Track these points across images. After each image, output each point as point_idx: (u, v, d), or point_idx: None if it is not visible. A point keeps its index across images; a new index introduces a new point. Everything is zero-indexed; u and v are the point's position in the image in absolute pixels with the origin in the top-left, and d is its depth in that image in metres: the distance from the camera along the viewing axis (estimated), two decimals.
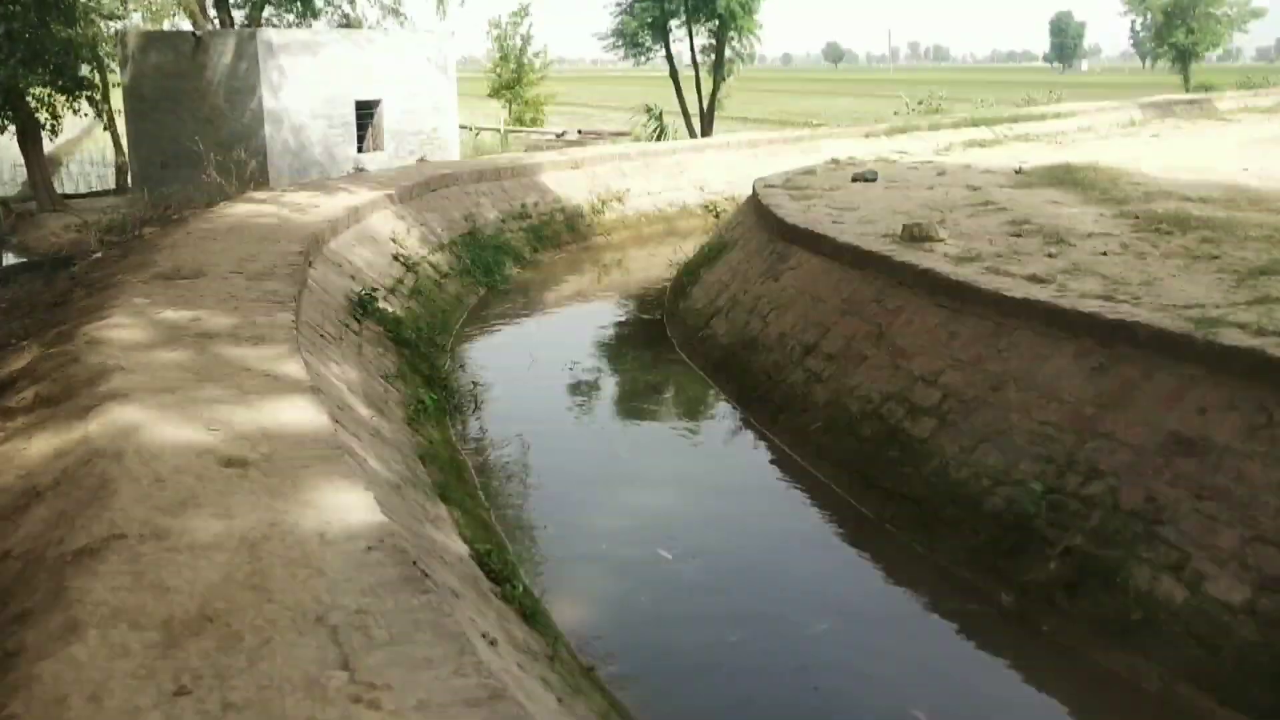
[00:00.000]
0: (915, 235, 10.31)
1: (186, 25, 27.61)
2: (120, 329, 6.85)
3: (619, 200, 20.62)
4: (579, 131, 34.94)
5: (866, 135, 28.34)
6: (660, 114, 33.48)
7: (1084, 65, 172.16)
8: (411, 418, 8.45)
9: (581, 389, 11.62)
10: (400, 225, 14.78)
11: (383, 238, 13.86)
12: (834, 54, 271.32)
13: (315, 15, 31.62)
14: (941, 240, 10.28)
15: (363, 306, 10.46)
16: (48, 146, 39.48)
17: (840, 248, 10.42)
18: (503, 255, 16.67)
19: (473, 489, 8.23)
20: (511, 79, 38.37)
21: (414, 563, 3.74)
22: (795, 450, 9.07)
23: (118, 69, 27.71)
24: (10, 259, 21.82)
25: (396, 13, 30.88)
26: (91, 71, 24.95)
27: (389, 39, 25.77)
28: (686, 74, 33.78)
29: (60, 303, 9.18)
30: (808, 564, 7.51)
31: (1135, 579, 5.80)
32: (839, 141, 27.35)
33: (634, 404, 11.28)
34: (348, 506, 4.24)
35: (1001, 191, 14.07)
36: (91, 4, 25.67)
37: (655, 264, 18.22)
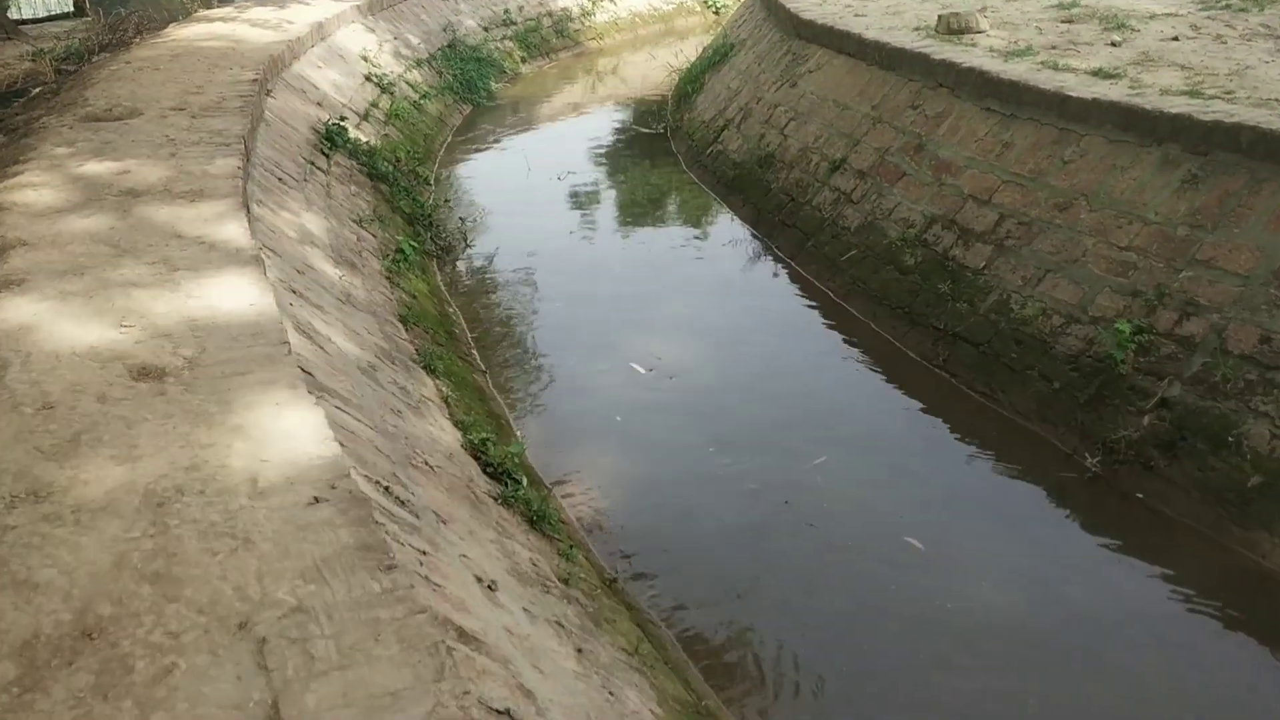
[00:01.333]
0: (953, 27, 9.00)
1: None
2: (30, 189, 5.75)
3: (610, 0, 18.92)
4: None
5: None
6: None
7: None
8: (390, 269, 7.42)
9: (580, 215, 10.54)
10: (372, 40, 13.33)
11: (352, 56, 12.47)
12: None
13: None
14: (983, 32, 8.99)
15: (330, 139, 9.28)
16: None
17: (866, 45, 9.12)
18: (487, 68, 15.24)
19: (465, 349, 7.29)
20: None
21: (375, 519, 2.81)
22: (825, 282, 8.07)
23: None
24: None
25: None
26: None
27: None
28: None
29: None
30: (854, 415, 6.60)
31: (1251, 437, 4.89)
32: None
33: (639, 231, 10.19)
34: (291, 432, 3.29)
35: None
36: None
37: (654, 69, 16.75)
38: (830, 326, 7.66)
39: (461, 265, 9.27)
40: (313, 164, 8.50)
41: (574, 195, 11.27)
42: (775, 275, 8.66)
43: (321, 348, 4.87)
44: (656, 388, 6.90)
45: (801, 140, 9.37)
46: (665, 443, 6.28)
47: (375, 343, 5.72)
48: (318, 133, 9.34)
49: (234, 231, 5.13)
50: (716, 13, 20.48)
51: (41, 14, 30.68)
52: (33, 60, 21.57)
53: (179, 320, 4.12)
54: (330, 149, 9.16)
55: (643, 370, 7.06)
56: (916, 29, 9.30)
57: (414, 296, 7.32)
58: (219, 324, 4.10)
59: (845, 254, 7.96)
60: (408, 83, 13.13)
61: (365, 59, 12.59)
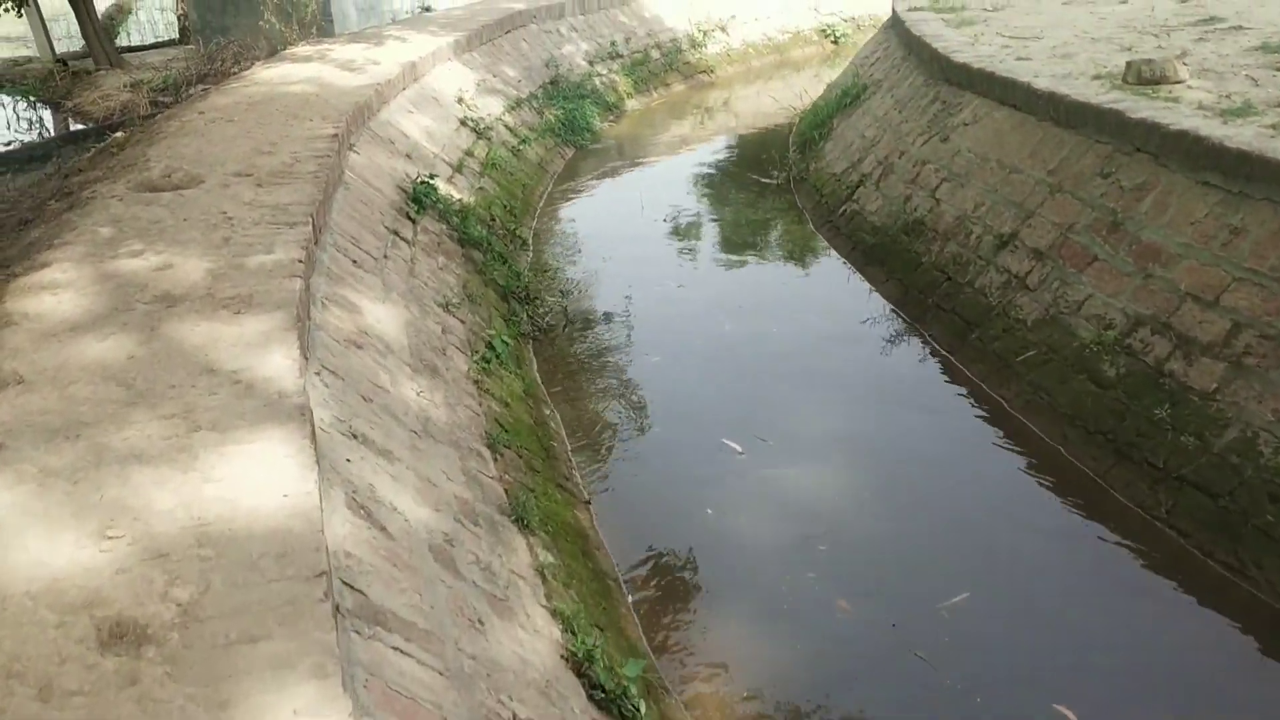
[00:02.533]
0: (1145, 76, 7.58)
1: None
2: (50, 294, 4.76)
3: (722, 29, 17.76)
4: None
5: None
6: None
7: None
8: (479, 370, 6.29)
9: (692, 278, 9.34)
10: (468, 79, 12.35)
11: (447, 98, 11.48)
12: None
13: None
14: (1182, 82, 7.55)
15: (418, 201, 8.24)
16: None
17: (1038, 97, 7.75)
18: (591, 106, 14.15)
19: (565, 468, 6.12)
20: None
21: None
22: (996, 388, 6.72)
23: None
24: (55, 126, 19.98)
25: None
26: None
27: None
28: None
29: (29, 221, 7.14)
30: (1043, 580, 5.26)
31: None
32: None
33: (760, 300, 8.92)
34: None
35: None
36: None
37: (770, 106, 15.51)
38: (1003, 446, 6.31)
39: (561, 343, 8.13)
40: (396, 233, 7.44)
41: (684, 253, 10.11)
42: (928, 371, 7.32)
43: (384, 527, 3.73)
44: (790, 518, 5.66)
45: (958, 207, 8.03)
46: (804, 598, 5.04)
47: (455, 493, 4.57)
48: (404, 193, 8.31)
49: (280, 364, 4.03)
50: (835, 43, 19.19)
51: (150, 39, 30.79)
52: (131, 90, 21.28)
53: (185, 525, 3.01)
54: (418, 212, 8.12)
55: (772, 511, 5.83)
56: (1097, 77, 7.90)
57: (506, 404, 6.18)
58: (236, 534, 2.97)
59: (1021, 354, 6.61)
60: (506, 126, 12.10)
61: (460, 100, 11.60)
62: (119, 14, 36.66)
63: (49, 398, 3.78)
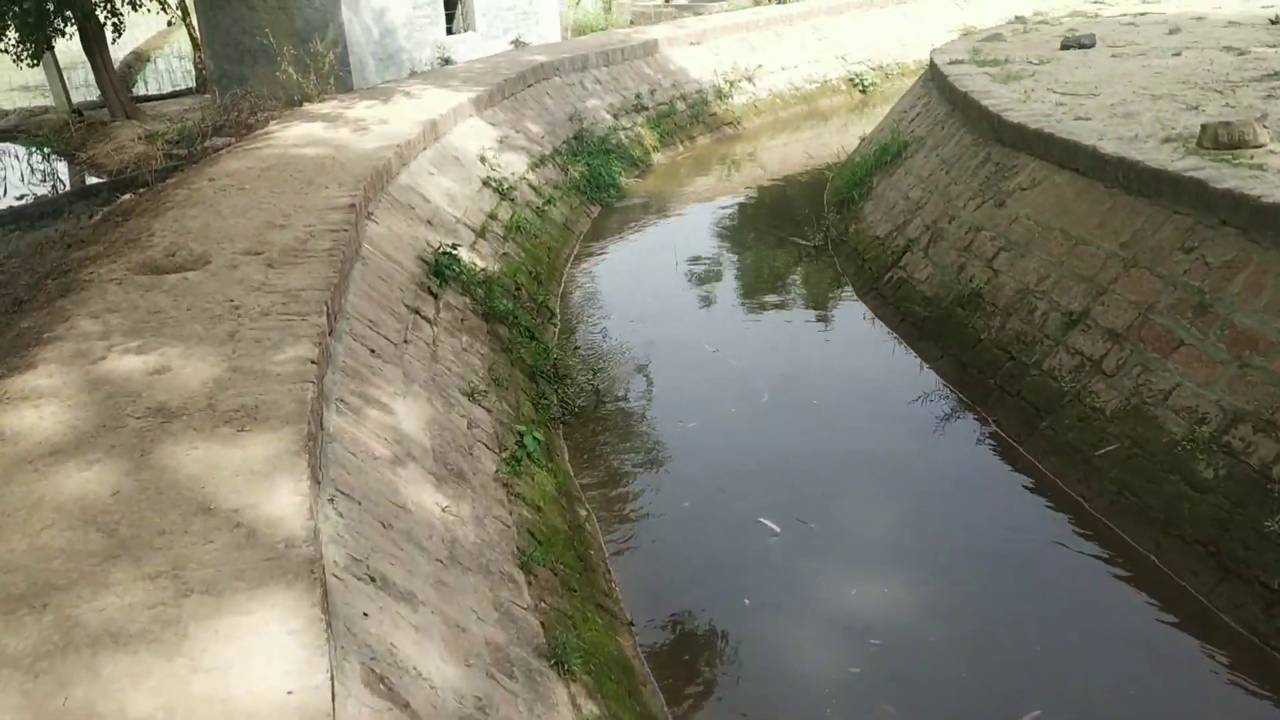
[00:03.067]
0: (1223, 140, 7.04)
1: None
2: (31, 406, 4.24)
3: (749, 80, 17.33)
4: None
5: None
6: None
7: None
8: (509, 471, 5.74)
9: (733, 353, 8.78)
10: (490, 136, 11.90)
11: (469, 157, 11.01)
12: None
13: None
14: (1263, 146, 7.01)
15: (439, 274, 7.74)
16: (135, 42, 37.23)
17: (1105, 162, 7.21)
18: (616, 161, 13.69)
19: (605, 582, 5.55)
20: None
21: None
22: (1073, 484, 6.13)
23: None
24: (69, 179, 19.65)
25: None
26: None
27: None
28: None
29: (23, 302, 6.65)
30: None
31: None
32: None
33: (802, 372, 8.35)
34: None
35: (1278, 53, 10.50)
36: None
37: (799, 159, 15.04)
38: (1082, 550, 5.72)
39: (592, 425, 7.58)
40: (417, 311, 6.93)
41: (718, 316, 9.61)
42: (991, 460, 6.74)
43: (407, 702, 3.16)
44: (836, 617, 5.07)
45: (1018, 279, 7.48)
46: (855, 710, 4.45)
47: (487, 637, 4.00)
48: (425, 264, 7.81)
49: (287, 501, 3.49)
50: (864, 92, 18.76)
51: (168, 88, 30.62)
52: (145, 142, 20.93)
53: None
54: (440, 285, 7.61)
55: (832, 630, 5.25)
56: (1167, 140, 7.36)
57: (538, 508, 5.62)
58: None
59: (1101, 447, 6.02)
60: (530, 184, 11.63)
61: (483, 159, 11.14)
62: (137, 62, 36.59)
63: (16, 548, 3.24)
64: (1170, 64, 10.36)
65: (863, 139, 13.75)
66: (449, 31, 22.84)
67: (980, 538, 6.00)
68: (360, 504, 4.14)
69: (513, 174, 11.45)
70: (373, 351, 5.78)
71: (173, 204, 7.66)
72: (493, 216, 10.15)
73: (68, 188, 18.62)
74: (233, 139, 17.36)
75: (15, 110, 25.69)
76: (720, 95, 16.71)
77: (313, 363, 4.63)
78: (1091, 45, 11.73)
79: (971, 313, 7.68)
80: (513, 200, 10.84)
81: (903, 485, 6.66)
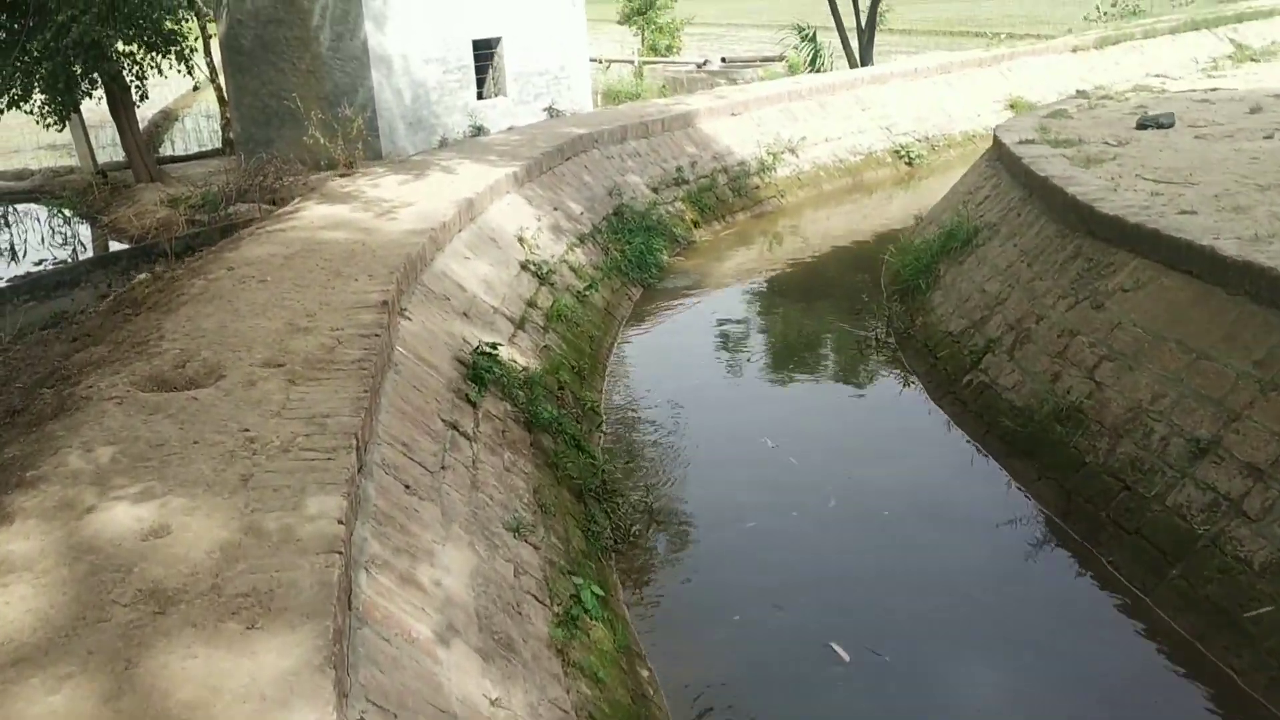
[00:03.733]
0: None
1: None
2: (4, 580, 3.48)
3: (791, 151, 16.67)
4: (722, 60, 30.81)
5: (1074, 50, 23.56)
6: (814, 34, 29.07)
7: None
8: (563, 634, 4.92)
9: (794, 449, 7.99)
10: (528, 215, 11.23)
11: (506, 238, 10.32)
12: None
13: None
14: None
15: (478, 378, 6.99)
16: (164, 100, 37.07)
17: (1228, 266, 6.42)
18: (658, 239, 12.98)
19: None
20: (644, 3, 34.25)
21: None
22: (1220, 652, 5.25)
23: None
24: (91, 243, 19.10)
25: None
26: (181, 23, 21.85)
27: None
28: None
29: (16, 412, 5.92)
30: None
31: None
32: (1042, 59, 22.74)
33: (878, 489, 7.53)
34: None
35: None
36: None
37: (848, 237, 14.34)
38: None
39: (647, 548, 6.77)
40: (455, 427, 6.16)
41: (776, 412, 8.87)
42: (1108, 610, 5.88)
43: None
44: None
45: (1128, 395, 6.66)
46: None
47: None
48: (463, 367, 7.07)
49: None
50: (909, 164, 18.08)
51: (194, 147, 30.30)
52: (169, 206, 20.36)
53: None
54: (478, 392, 6.86)
55: None
56: None
57: (596, 678, 4.79)
58: None
59: (1251, 607, 5.16)
60: (570, 266, 10.93)
61: (521, 240, 10.46)
62: (165, 121, 36.39)
63: None
64: (1264, 148, 9.61)
65: (919, 219, 13.02)
66: (479, 96, 22.41)
67: (1102, 708, 5.13)
68: (397, 717, 3.33)
69: (552, 255, 10.75)
70: (407, 487, 5.00)
71: (187, 297, 6.95)
72: (532, 304, 9.43)
73: (89, 252, 18.08)
74: (256, 210, 16.84)
75: (40, 170, 25.32)
76: (763, 168, 16.05)
77: (340, 522, 3.86)
78: (1170, 125, 11.00)
79: (1073, 430, 6.85)
80: (552, 285, 10.13)
81: (996, 624, 5.84)
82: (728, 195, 15.29)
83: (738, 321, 11.39)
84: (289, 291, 6.96)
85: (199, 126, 34.84)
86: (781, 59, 29.52)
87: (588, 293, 10.51)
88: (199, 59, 25.40)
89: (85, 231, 19.90)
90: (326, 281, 7.19)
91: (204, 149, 28.95)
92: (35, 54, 18.68)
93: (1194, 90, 14.18)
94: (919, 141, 18.63)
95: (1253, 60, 20.74)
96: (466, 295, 8.54)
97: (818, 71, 27.00)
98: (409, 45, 20.68)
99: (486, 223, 10.24)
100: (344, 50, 20.77)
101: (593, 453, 7.48)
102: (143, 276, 10.00)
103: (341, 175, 11.51)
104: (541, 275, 10.04)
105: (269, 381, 5.31)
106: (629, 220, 13.02)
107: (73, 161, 25.42)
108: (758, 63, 30.32)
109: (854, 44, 28.42)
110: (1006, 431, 7.46)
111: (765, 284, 12.65)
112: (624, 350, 10.35)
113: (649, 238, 12.82)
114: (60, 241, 19.57)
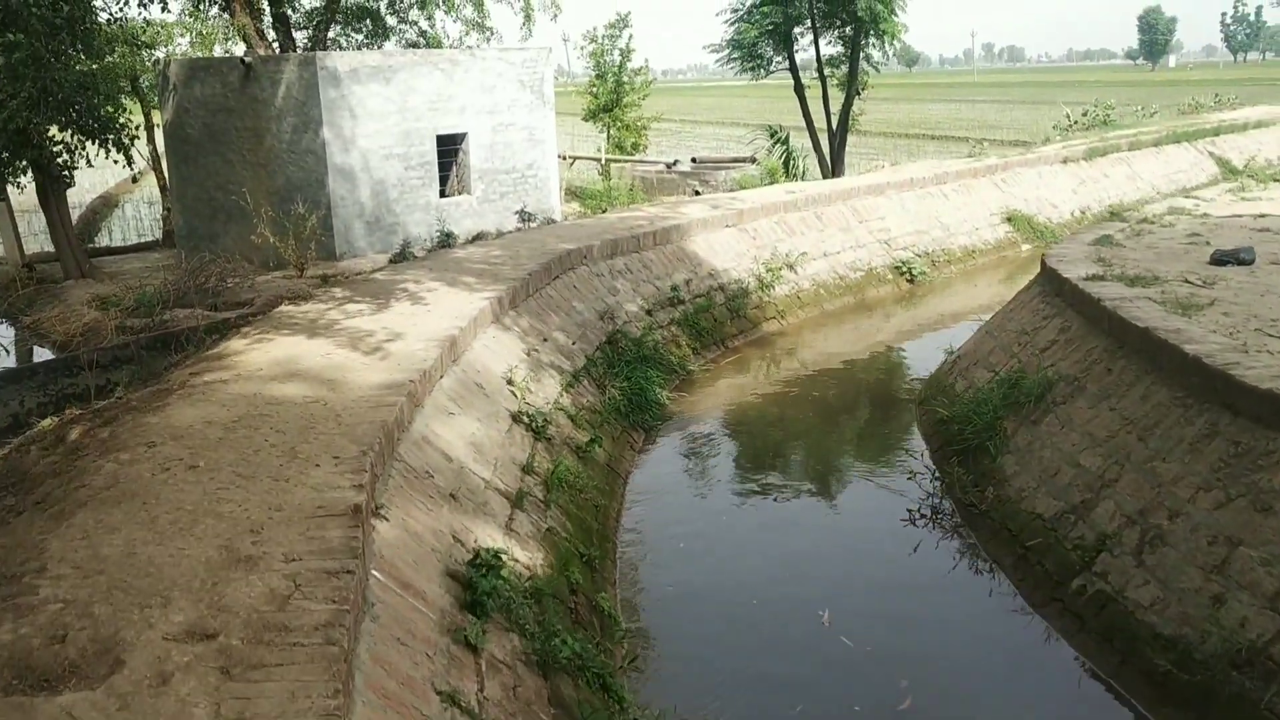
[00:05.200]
0: None
1: (241, 52, 22.87)
2: None
3: (790, 267, 15.25)
4: (693, 160, 29.65)
5: (1065, 161, 22.65)
6: (787, 136, 28.17)
7: (1171, 61, 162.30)
8: None
9: (852, 639, 6.35)
10: (516, 351, 9.57)
11: (494, 382, 8.64)
12: (907, 57, 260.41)
13: (386, 35, 26.85)
14: None
15: (477, 605, 5.26)
16: (105, 185, 35.11)
17: None
18: (655, 372, 11.37)
19: None
20: (610, 100, 33.20)
21: None
22: None
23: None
24: (7, 352, 17.07)
25: (482, 27, 25.96)
26: (119, 110, 20.13)
27: (475, 60, 20.71)
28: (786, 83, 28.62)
29: None
30: None
31: None
32: (1034, 170, 21.74)
33: (964, 700, 5.94)
34: None
35: None
36: (117, 30, 20.89)
37: (864, 368, 12.86)
38: None
39: None
40: (454, 701, 4.40)
41: (822, 584, 7.25)
42: None
43: None
44: None
45: None
46: None
47: None
48: (456, 585, 5.33)
49: None
50: (911, 281, 16.76)
51: (134, 237, 28.28)
52: (99, 309, 18.26)
53: None
54: (479, 627, 5.11)
55: None
56: None
57: None
58: None
59: None
60: (566, 413, 9.25)
61: (510, 383, 8.79)
62: (104, 207, 34.37)
63: None
64: None
65: (949, 353, 11.56)
66: (443, 195, 20.88)
67: None
68: None
69: (546, 400, 9.07)
70: None
71: (89, 492, 5.16)
72: (528, 469, 7.71)
73: (7, 359, 16.09)
74: (196, 316, 15.00)
75: None
76: (761, 286, 14.59)
77: None
78: (1252, 261, 9.67)
79: (1261, 685, 5.23)
80: (549, 440, 8.43)
81: None
82: (725, 317, 13.77)
83: (753, 477, 9.74)
84: (228, 485, 5.20)
85: (139, 214, 32.90)
86: (753, 160, 28.52)
87: (590, 449, 8.81)
88: (141, 145, 23.70)
89: (5, 332, 17.91)
90: (279, 468, 5.45)
91: (144, 239, 26.99)
92: None
93: (1238, 214, 13.01)
94: (919, 257, 17.35)
95: (1275, 180, 19.94)
96: (453, 467, 6.82)
97: (793, 176, 25.93)
98: (369, 140, 19.15)
99: (471, 364, 8.55)
100: (299, 143, 19.16)
101: (619, 692, 5.72)
102: (45, 423, 8.15)
103: (296, 298, 9.77)
104: (536, 428, 8.34)
105: (189, 675, 3.54)
106: (624, 350, 11.41)
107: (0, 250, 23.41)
108: (728, 163, 29.22)
109: (824, 145, 27.52)
110: (1155, 671, 5.82)
111: (779, 428, 11.03)
112: (634, 515, 8.63)
113: (647, 373, 11.20)
114: None
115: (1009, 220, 19.63)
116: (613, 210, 18.18)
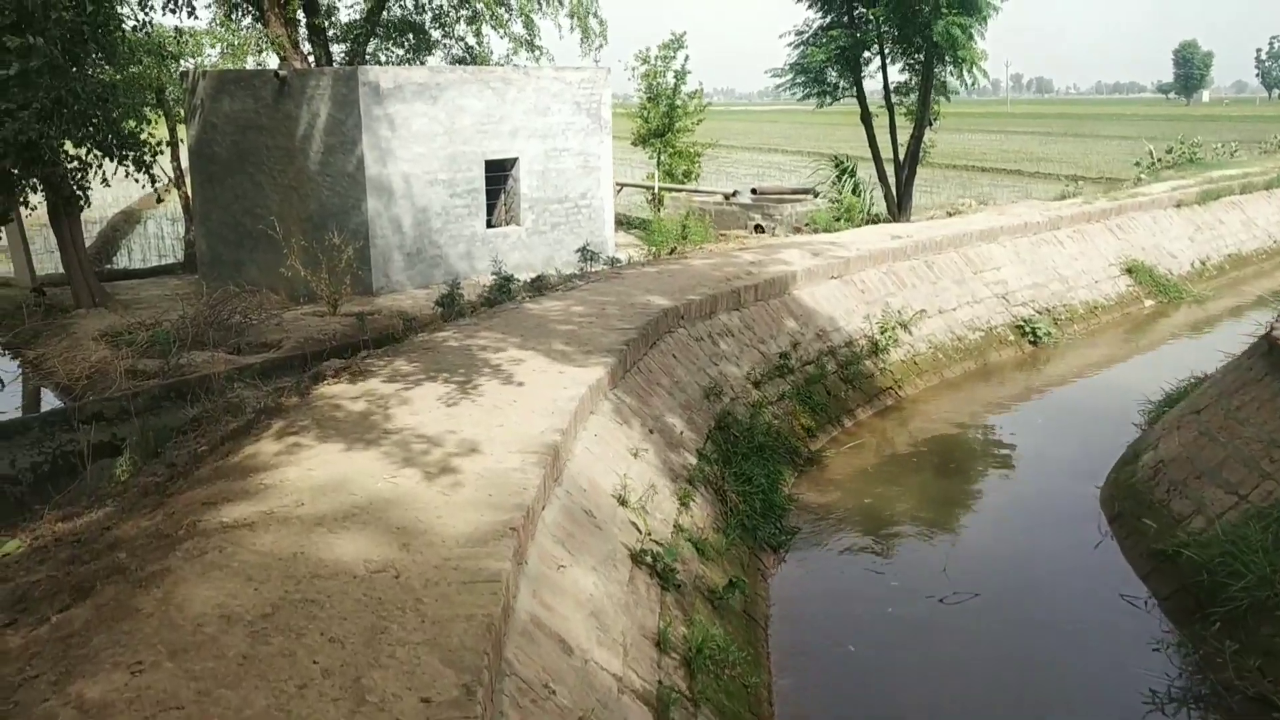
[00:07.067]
0: None
1: (274, 65, 20.96)
2: None
3: (904, 327, 13.11)
4: (753, 192, 27.57)
5: (1179, 205, 20.46)
6: (854, 167, 26.13)
7: (1205, 96, 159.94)
8: None
9: None
10: (623, 450, 7.44)
11: (605, 506, 6.51)
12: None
13: (430, 50, 24.89)
14: None
15: None
16: (129, 199, 33.20)
17: None
18: (775, 463, 9.23)
19: None
20: (662, 125, 31.15)
21: None
22: None
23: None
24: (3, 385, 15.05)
25: (531, 45, 23.94)
26: (142, 124, 18.16)
27: (528, 79, 18.72)
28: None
29: None
30: None
31: None
32: (1148, 214, 19.53)
33: None
34: None
35: None
36: (143, 38, 18.98)
37: (1014, 454, 10.70)
38: None
39: None
40: None
41: None
42: None
43: None
44: None
45: None
46: None
47: None
48: None
49: None
50: (1034, 343, 14.58)
51: (154, 258, 26.28)
52: (109, 345, 16.10)
53: None
54: None
55: None
56: None
57: None
58: None
59: None
60: (689, 537, 7.10)
61: (623, 502, 6.67)
62: (125, 224, 32.50)
63: None
64: None
65: (1131, 446, 9.38)
66: (489, 225, 18.88)
67: None
68: None
69: (663, 520, 6.95)
70: None
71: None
72: (663, 644, 5.57)
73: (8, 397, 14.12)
74: (215, 359, 12.95)
75: None
76: (875, 348, 12.45)
77: None
78: None
79: None
80: (679, 589, 6.28)
81: None
82: (840, 388, 11.61)
83: (912, 615, 7.54)
84: None
85: (162, 231, 31.03)
86: (814, 193, 26.43)
87: (727, 596, 6.65)
88: (164, 162, 21.77)
89: (5, 365, 15.98)
90: (338, 696, 3.33)
91: (164, 261, 25.07)
92: None
93: None
94: (1040, 314, 15.17)
95: None
96: (575, 665, 4.69)
97: (862, 211, 23.83)
98: (412, 163, 17.11)
99: (575, 480, 6.42)
100: (335, 166, 17.14)
101: None
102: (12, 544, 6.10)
103: (340, 375, 7.65)
104: (663, 574, 6.20)
105: None
106: (736, 435, 9.28)
107: (8, 269, 21.51)
108: (789, 194, 27.12)
109: (890, 177, 25.53)
110: None
111: (931, 540, 8.81)
112: (785, 690, 6.45)
113: (762, 459, 9.07)
114: None
115: (1129, 271, 17.44)
116: (689, 250, 16.03)
